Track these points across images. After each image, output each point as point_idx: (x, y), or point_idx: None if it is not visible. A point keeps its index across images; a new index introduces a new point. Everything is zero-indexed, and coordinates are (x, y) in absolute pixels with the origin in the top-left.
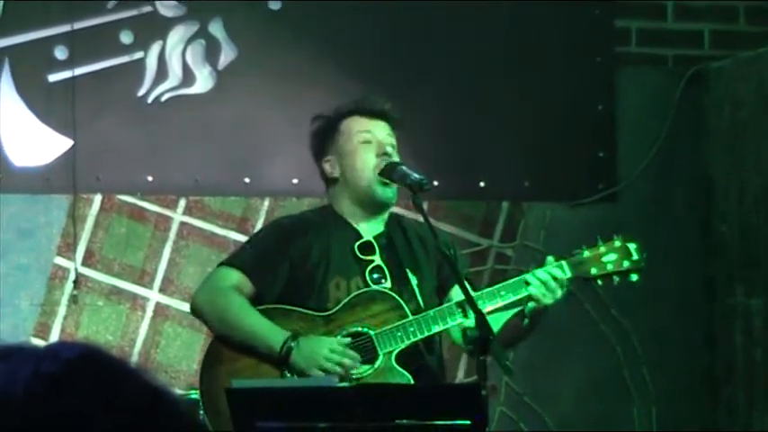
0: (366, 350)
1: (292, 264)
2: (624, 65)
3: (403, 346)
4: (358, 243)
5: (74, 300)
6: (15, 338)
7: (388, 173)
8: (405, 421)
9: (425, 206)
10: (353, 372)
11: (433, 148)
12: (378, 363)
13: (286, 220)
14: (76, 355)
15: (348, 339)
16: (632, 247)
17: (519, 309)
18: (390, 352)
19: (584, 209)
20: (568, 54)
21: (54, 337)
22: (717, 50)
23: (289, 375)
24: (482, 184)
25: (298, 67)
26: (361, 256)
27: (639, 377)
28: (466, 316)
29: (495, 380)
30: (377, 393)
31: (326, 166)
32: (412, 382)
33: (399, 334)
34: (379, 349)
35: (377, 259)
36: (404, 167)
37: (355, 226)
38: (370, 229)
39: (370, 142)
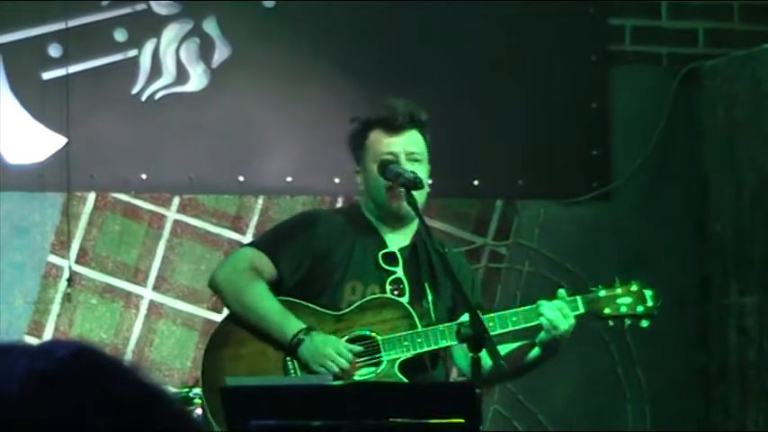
0: (371, 354)
1: (314, 257)
2: (618, 63)
3: (408, 356)
4: (382, 252)
5: (67, 298)
6: (9, 336)
7: (382, 172)
8: (399, 419)
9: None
10: (357, 373)
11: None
12: (381, 368)
13: (315, 214)
14: (70, 353)
15: (360, 348)
16: (648, 293)
17: (524, 342)
18: (395, 359)
19: (578, 207)
20: (563, 52)
21: (48, 335)
22: (711, 49)
23: (290, 363)
24: (476, 182)
25: (292, 66)
26: (385, 266)
27: (633, 376)
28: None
29: None
30: (371, 391)
31: (357, 177)
32: None
33: (406, 343)
34: (383, 355)
35: (399, 271)
36: (397, 166)
37: (382, 235)
38: (396, 240)
39: (390, 162)
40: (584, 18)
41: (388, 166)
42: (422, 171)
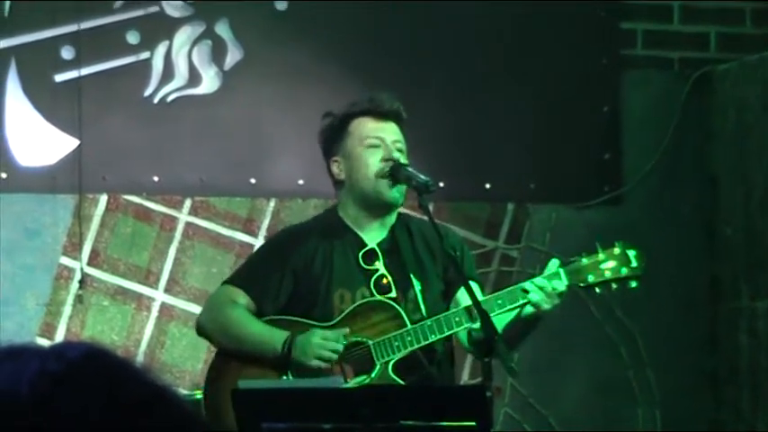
0: (364, 360)
1: (296, 276)
2: (630, 67)
3: (400, 356)
4: (362, 252)
5: (79, 299)
6: (21, 338)
7: (395, 174)
8: (409, 422)
9: (431, 207)
10: (350, 381)
11: (438, 149)
12: (374, 372)
13: (284, 233)
14: (81, 354)
15: (345, 330)
16: (632, 254)
17: (516, 312)
18: (387, 362)
19: (589, 211)
20: (574, 56)
21: (59, 336)
22: (723, 53)
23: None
24: (488, 185)
25: (304, 68)
26: (365, 266)
27: (644, 379)
28: (473, 320)
29: (499, 381)
30: (382, 394)
31: (333, 167)
32: None
33: (397, 343)
34: (375, 359)
35: (381, 268)
36: (409, 169)
37: (359, 233)
38: (373, 235)
39: (377, 146)
40: (595, 21)
41: (400, 169)
42: (404, 161)
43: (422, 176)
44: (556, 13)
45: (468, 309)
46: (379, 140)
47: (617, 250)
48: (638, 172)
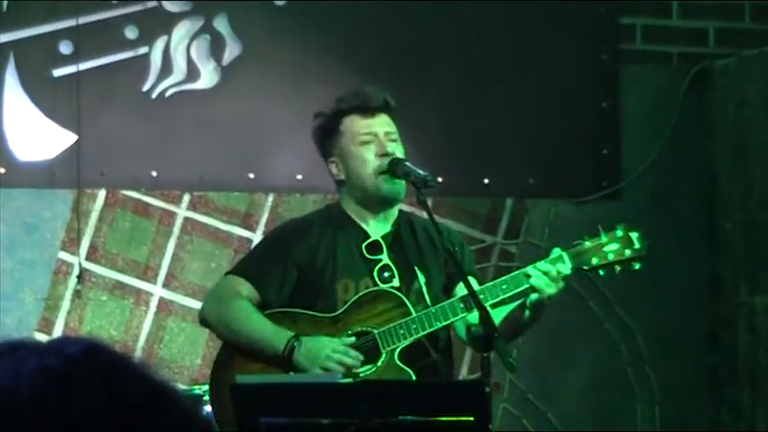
0: (370, 349)
1: (299, 267)
2: (629, 62)
3: (406, 344)
4: (365, 243)
5: (77, 294)
6: (19, 333)
7: (393, 169)
8: (408, 417)
9: (429, 203)
10: (356, 371)
11: (437, 144)
12: (380, 361)
13: (288, 225)
14: (80, 350)
15: (352, 339)
16: (634, 236)
17: (520, 301)
18: (393, 350)
19: (588, 206)
20: (573, 51)
21: (58, 331)
22: (722, 48)
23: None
24: (486, 180)
25: (302, 63)
26: (369, 256)
27: (643, 375)
28: (469, 311)
29: (498, 377)
30: (380, 390)
31: (332, 168)
32: (414, 379)
33: (402, 331)
34: (381, 347)
35: (384, 258)
36: (408, 164)
37: (363, 225)
38: (377, 228)
39: (370, 143)
40: (594, 17)
41: (398, 164)
42: (399, 151)
43: (420, 171)
44: (555, 8)
45: (470, 296)
46: (371, 136)
47: (619, 233)
48: (637, 167)
